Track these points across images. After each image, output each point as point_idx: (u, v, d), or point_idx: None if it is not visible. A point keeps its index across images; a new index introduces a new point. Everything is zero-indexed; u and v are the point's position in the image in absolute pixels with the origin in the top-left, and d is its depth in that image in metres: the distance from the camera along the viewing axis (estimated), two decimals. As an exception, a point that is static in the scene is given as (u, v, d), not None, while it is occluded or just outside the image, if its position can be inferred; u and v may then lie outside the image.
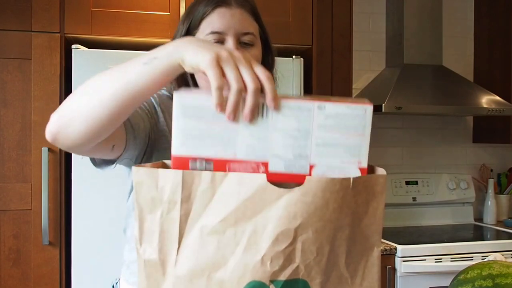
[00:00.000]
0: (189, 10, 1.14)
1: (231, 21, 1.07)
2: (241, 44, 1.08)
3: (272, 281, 0.59)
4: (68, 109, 0.83)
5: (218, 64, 0.70)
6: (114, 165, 1.04)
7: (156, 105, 1.13)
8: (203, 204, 0.62)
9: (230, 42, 1.06)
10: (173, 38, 1.14)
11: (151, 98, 1.12)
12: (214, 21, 1.08)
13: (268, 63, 1.18)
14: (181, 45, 0.76)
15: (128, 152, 1.02)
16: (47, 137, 0.85)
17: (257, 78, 0.69)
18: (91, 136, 0.83)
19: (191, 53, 0.73)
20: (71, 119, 0.82)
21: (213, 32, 1.07)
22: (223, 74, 0.69)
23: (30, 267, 2.07)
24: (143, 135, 1.05)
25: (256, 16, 1.13)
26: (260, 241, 0.60)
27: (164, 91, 1.18)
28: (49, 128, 0.85)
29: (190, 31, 1.12)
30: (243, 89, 0.68)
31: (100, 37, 2.17)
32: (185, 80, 1.14)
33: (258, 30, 1.12)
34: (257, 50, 1.11)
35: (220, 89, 0.67)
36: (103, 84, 0.81)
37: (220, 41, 1.07)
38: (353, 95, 2.80)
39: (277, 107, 0.67)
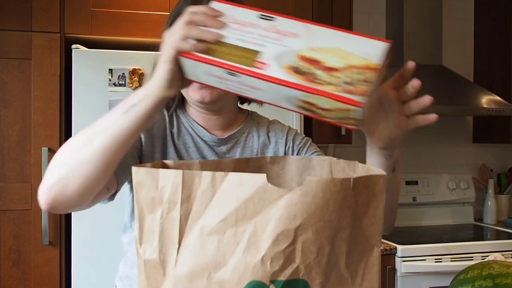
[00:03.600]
0: (170, 15, 1.15)
1: None
2: None
3: (272, 281, 0.59)
4: (58, 175, 0.83)
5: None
6: (115, 196, 1.03)
7: None
8: (203, 204, 0.62)
9: None
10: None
11: None
12: None
13: None
14: (151, 83, 0.81)
15: (124, 182, 1.04)
16: (43, 208, 0.86)
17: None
18: (88, 193, 0.85)
19: (158, 80, 0.81)
20: (65, 185, 0.83)
21: None
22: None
23: (30, 267, 2.07)
24: (132, 161, 1.06)
25: None
26: (260, 241, 0.60)
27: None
28: (43, 199, 0.85)
29: None
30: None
31: (100, 37, 2.17)
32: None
33: None
34: None
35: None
36: (89, 142, 0.83)
37: None
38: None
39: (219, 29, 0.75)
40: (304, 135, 1.29)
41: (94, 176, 0.83)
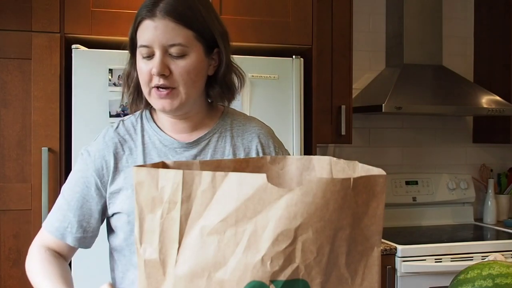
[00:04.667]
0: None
1: (154, 34, 1.08)
2: (171, 56, 1.09)
3: (272, 281, 0.59)
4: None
5: None
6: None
7: (95, 181, 1.17)
8: (204, 204, 0.62)
9: (156, 55, 1.08)
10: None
11: (91, 176, 1.18)
12: (141, 34, 1.10)
13: (220, 63, 1.17)
14: None
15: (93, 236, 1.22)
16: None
17: None
18: None
19: None
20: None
21: (142, 46, 1.10)
22: None
23: (30, 267, 2.07)
24: (94, 220, 1.19)
25: (187, 22, 1.09)
26: (260, 241, 0.60)
27: (118, 128, 1.21)
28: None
29: (133, 40, 1.14)
30: None
31: (100, 37, 2.17)
32: (132, 93, 1.19)
33: (191, 37, 1.10)
34: (189, 59, 1.10)
35: None
36: None
37: (151, 54, 1.09)
38: (353, 95, 2.80)
39: None
40: (278, 140, 1.28)
41: None
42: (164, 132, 1.19)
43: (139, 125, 1.21)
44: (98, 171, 1.17)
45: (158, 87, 1.09)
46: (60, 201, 1.19)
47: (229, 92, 1.21)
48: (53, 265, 1.13)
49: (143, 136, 1.19)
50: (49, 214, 1.21)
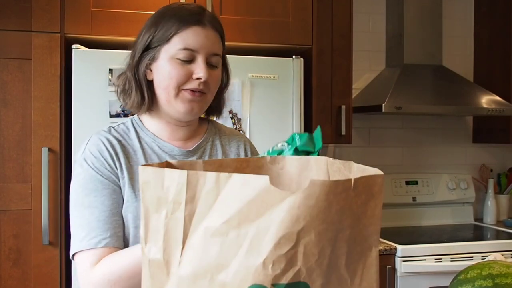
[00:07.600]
0: (157, 21, 1.15)
1: (204, 41, 1.13)
2: (208, 64, 1.14)
3: (273, 285, 0.59)
4: None
5: None
6: None
7: (113, 174, 1.14)
8: (207, 205, 0.62)
9: (200, 61, 1.12)
10: (135, 42, 1.18)
11: (107, 168, 1.14)
12: (189, 38, 1.12)
13: (223, 81, 1.26)
14: None
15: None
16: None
17: None
18: None
19: None
20: None
21: (186, 49, 1.12)
22: None
23: (30, 267, 2.07)
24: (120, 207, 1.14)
25: (223, 37, 1.19)
26: (263, 244, 0.59)
27: (111, 131, 1.20)
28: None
29: (155, 42, 1.14)
30: None
31: (100, 37, 2.17)
32: (142, 92, 1.17)
33: (221, 51, 1.19)
34: (219, 71, 1.19)
35: None
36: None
37: (191, 58, 1.12)
38: (353, 95, 2.80)
39: None
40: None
41: None
42: (160, 139, 1.20)
43: (132, 132, 1.20)
44: (112, 167, 1.14)
45: (193, 90, 1.13)
46: (88, 215, 1.10)
47: (222, 107, 1.29)
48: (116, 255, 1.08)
49: (140, 142, 1.19)
50: (78, 235, 1.11)
